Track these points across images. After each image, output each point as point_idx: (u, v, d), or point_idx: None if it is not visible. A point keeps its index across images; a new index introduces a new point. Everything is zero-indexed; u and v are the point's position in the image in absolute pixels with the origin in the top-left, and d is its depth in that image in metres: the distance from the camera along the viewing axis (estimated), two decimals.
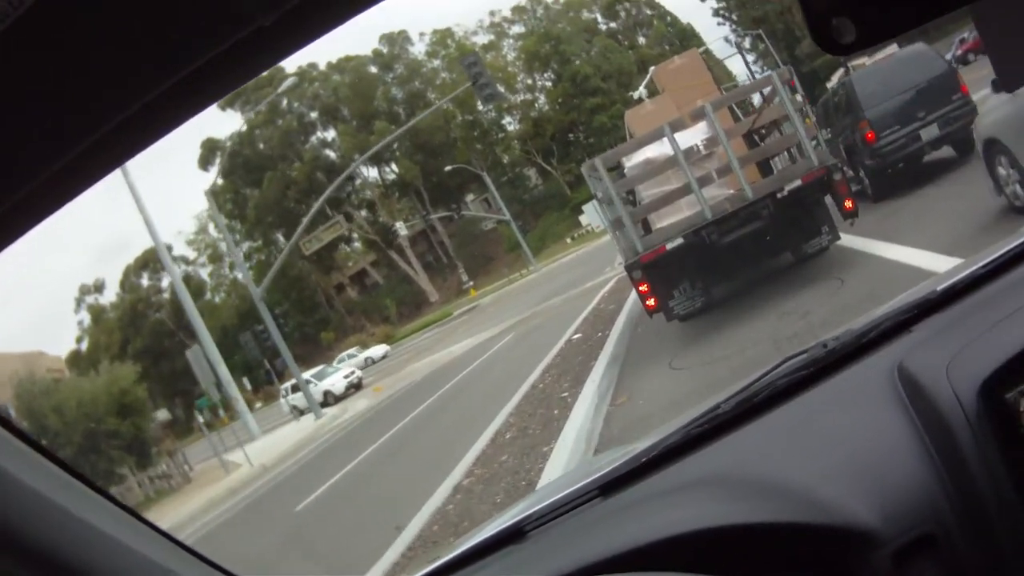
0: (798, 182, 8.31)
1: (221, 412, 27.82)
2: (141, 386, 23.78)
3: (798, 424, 1.40)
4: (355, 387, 35.40)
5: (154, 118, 0.62)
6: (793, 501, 1.22)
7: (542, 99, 65.02)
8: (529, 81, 65.32)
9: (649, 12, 64.27)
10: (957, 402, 1.19)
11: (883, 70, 11.23)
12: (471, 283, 59.84)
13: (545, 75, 64.33)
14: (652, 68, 12.64)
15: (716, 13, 56.30)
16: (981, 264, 1.53)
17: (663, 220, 9.09)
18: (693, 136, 8.88)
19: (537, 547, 1.39)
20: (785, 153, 9.66)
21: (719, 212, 8.40)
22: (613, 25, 65.80)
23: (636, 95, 14.25)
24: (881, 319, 1.52)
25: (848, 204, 8.40)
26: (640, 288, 8.68)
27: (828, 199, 8.83)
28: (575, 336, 13.58)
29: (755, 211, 8.32)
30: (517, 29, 65.80)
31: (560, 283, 29.29)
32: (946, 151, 11.05)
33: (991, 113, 6.72)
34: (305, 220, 25.00)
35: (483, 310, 43.28)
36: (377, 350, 48.46)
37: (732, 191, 8.93)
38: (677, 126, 8.46)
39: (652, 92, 12.43)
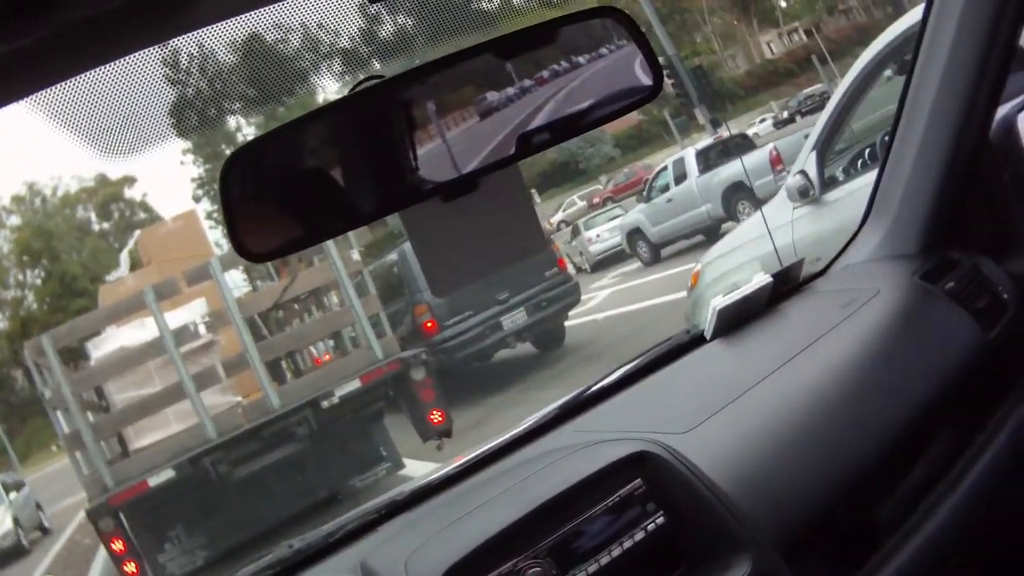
0: (355, 383, 5.66)
1: None
2: None
3: None
4: None
5: None
6: None
7: (31, 297, 59.82)
8: (21, 277, 59.67)
9: (143, 215, 62.24)
10: None
11: None
12: None
13: (36, 272, 59.47)
14: (137, 232, 9.42)
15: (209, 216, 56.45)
16: (450, 467, 1.54)
17: (145, 437, 5.83)
18: (190, 313, 5.97)
19: None
20: (321, 344, 7.20)
21: (229, 429, 5.44)
22: (107, 226, 63.50)
23: (116, 275, 10.35)
24: (347, 520, 1.51)
25: (436, 416, 5.80)
26: (112, 545, 5.25)
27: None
28: None
29: (286, 428, 5.42)
30: (15, 220, 60.25)
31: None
32: (526, 347, 9.12)
33: None
34: None
35: None
36: None
37: (245, 399, 6.09)
38: (165, 293, 5.44)
39: (137, 265, 9.11)
